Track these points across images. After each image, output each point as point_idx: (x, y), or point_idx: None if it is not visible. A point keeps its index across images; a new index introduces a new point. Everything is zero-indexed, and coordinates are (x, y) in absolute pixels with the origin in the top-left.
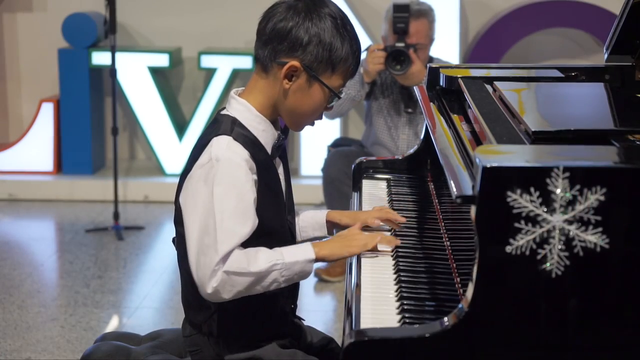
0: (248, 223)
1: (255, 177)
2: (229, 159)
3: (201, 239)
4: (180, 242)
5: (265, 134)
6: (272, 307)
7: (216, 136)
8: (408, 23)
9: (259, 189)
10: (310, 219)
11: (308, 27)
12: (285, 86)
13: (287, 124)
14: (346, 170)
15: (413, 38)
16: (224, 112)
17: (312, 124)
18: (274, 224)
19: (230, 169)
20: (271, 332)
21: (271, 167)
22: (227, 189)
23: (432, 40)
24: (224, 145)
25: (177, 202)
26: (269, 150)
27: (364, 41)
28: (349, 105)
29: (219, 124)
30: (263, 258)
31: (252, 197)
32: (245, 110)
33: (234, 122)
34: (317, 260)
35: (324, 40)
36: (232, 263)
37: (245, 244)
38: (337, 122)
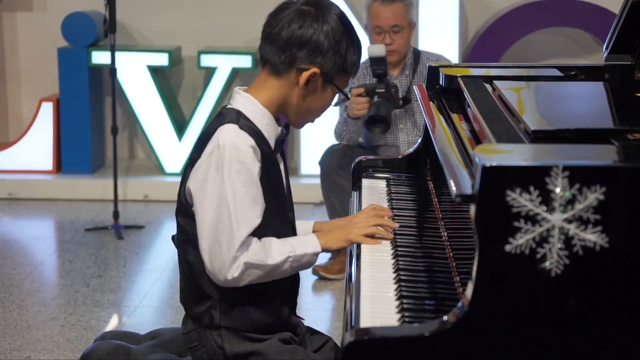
0: (258, 207)
1: (259, 164)
2: (236, 145)
3: (215, 227)
4: (182, 232)
5: (269, 128)
6: (273, 297)
7: (222, 125)
8: (386, 69)
9: (262, 180)
10: (297, 228)
11: (328, 33)
12: (302, 91)
13: (291, 122)
14: (340, 162)
15: (390, 21)
16: (228, 106)
17: (313, 121)
18: (276, 218)
19: (238, 154)
20: (272, 324)
21: (274, 160)
22: (237, 175)
23: (411, 24)
24: (231, 133)
25: (180, 194)
26: (272, 144)
27: (365, 44)
28: (357, 134)
29: (224, 116)
30: (277, 250)
31: (259, 181)
32: (249, 104)
33: (239, 113)
34: (322, 251)
35: (341, 48)
36: (252, 255)
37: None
38: (335, 122)
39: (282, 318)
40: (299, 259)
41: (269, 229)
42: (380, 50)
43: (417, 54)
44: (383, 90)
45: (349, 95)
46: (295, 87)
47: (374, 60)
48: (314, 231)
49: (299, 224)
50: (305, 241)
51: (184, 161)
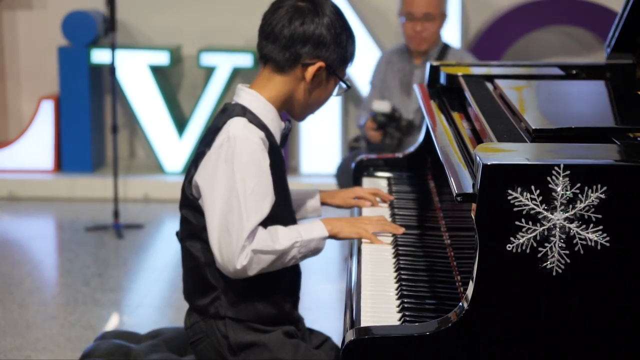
0: (268, 199)
1: (268, 157)
2: (247, 137)
3: (224, 217)
4: (186, 224)
5: (273, 123)
6: (276, 289)
7: (230, 118)
8: (394, 116)
9: (271, 172)
10: (302, 200)
11: (329, 26)
12: (309, 85)
13: (295, 116)
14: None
15: (422, 8)
16: (232, 102)
17: (314, 112)
18: (282, 210)
19: (248, 146)
20: (275, 315)
21: (279, 154)
22: (247, 167)
23: (443, 15)
24: (240, 125)
25: (185, 188)
26: (278, 139)
27: (367, 43)
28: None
29: (230, 111)
30: (284, 236)
31: (269, 173)
32: (254, 100)
33: (245, 108)
34: (328, 237)
35: (342, 39)
36: (259, 242)
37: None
38: (336, 121)
39: (285, 311)
40: (306, 244)
41: (276, 220)
42: (385, 106)
43: (445, 47)
44: (393, 130)
45: (350, 85)
46: (301, 82)
47: (381, 115)
48: (322, 203)
49: (305, 195)
50: (311, 227)
51: (184, 160)
